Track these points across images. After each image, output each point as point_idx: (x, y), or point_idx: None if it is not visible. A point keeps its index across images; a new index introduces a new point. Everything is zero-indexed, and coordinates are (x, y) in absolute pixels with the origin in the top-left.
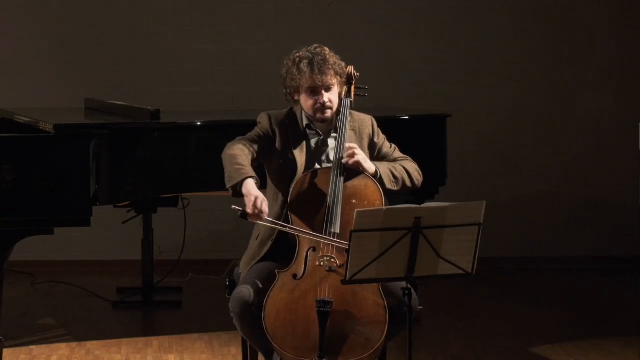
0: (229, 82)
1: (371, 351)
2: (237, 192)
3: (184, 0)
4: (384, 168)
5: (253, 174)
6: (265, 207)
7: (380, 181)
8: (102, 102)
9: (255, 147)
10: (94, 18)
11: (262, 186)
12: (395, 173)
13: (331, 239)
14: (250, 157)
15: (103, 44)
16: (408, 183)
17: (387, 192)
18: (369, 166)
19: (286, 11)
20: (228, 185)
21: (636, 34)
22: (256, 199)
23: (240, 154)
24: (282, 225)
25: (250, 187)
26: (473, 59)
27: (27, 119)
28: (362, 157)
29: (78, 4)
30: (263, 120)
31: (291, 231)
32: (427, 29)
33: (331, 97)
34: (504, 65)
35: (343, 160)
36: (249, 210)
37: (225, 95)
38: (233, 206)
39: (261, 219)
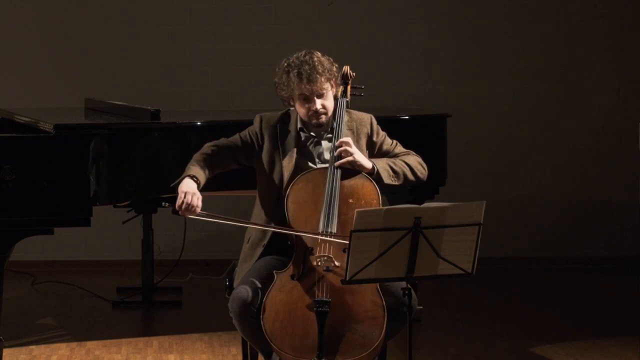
0: (229, 82)
1: (370, 350)
2: None
3: (184, 0)
4: (382, 164)
5: (194, 173)
6: (195, 201)
7: (378, 177)
8: (102, 102)
9: (236, 150)
10: (94, 18)
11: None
12: (395, 168)
13: (309, 233)
14: (218, 161)
15: (103, 44)
16: (410, 177)
17: (390, 188)
18: (365, 163)
19: (286, 11)
20: (171, 185)
21: (636, 34)
22: (185, 194)
23: (203, 157)
24: (217, 217)
25: (183, 184)
26: (473, 59)
27: (27, 119)
28: (354, 152)
29: (78, 5)
30: (255, 122)
31: (238, 224)
32: (426, 29)
33: (325, 103)
34: (504, 65)
35: (336, 164)
36: (177, 204)
37: (225, 95)
38: (163, 203)
39: (192, 213)
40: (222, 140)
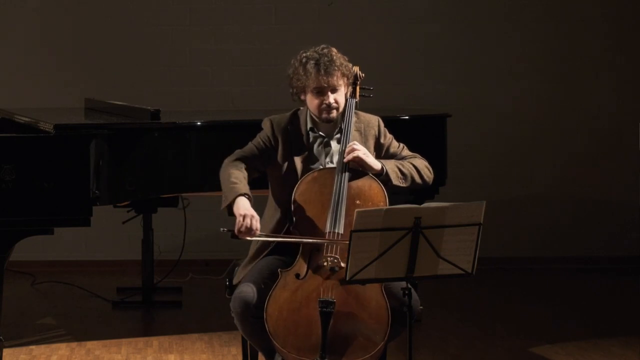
0: (229, 82)
1: (373, 352)
2: (232, 212)
3: (184, 0)
4: (390, 165)
5: (244, 191)
6: (255, 224)
7: (387, 177)
8: (102, 102)
9: (255, 159)
10: (94, 18)
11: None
12: (403, 170)
13: (330, 239)
14: (247, 173)
15: (103, 44)
16: (417, 179)
17: (395, 189)
18: (374, 163)
19: (286, 11)
20: (222, 207)
21: (636, 34)
22: (244, 217)
23: (235, 172)
24: (280, 237)
25: (240, 206)
26: (473, 59)
27: (27, 119)
28: (363, 153)
29: (78, 5)
30: (265, 127)
31: (291, 240)
32: (426, 29)
33: (337, 98)
34: (504, 65)
35: (345, 160)
36: (236, 229)
37: (225, 95)
38: (222, 228)
39: (253, 235)
40: (239, 152)
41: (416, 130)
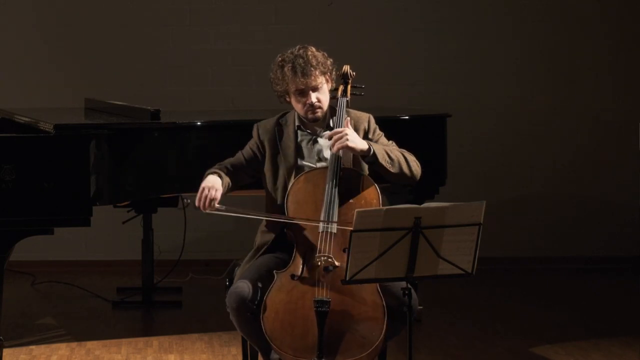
0: (229, 82)
1: (369, 350)
2: None
3: (184, 0)
4: (378, 147)
5: (216, 170)
6: (213, 194)
7: (374, 157)
8: (102, 102)
9: (242, 168)
10: (94, 18)
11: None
12: (391, 155)
13: (312, 221)
14: (228, 170)
15: (103, 44)
16: (405, 168)
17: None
18: (361, 144)
19: (286, 11)
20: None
21: (635, 33)
22: (205, 188)
23: (216, 167)
24: (238, 212)
25: (204, 181)
26: (472, 59)
27: (27, 119)
28: (350, 137)
29: (78, 5)
30: (253, 134)
31: (264, 219)
32: (426, 29)
33: (320, 97)
34: (503, 65)
35: (333, 150)
36: (196, 199)
37: (225, 95)
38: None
39: (213, 207)
40: (228, 160)
41: (416, 130)
